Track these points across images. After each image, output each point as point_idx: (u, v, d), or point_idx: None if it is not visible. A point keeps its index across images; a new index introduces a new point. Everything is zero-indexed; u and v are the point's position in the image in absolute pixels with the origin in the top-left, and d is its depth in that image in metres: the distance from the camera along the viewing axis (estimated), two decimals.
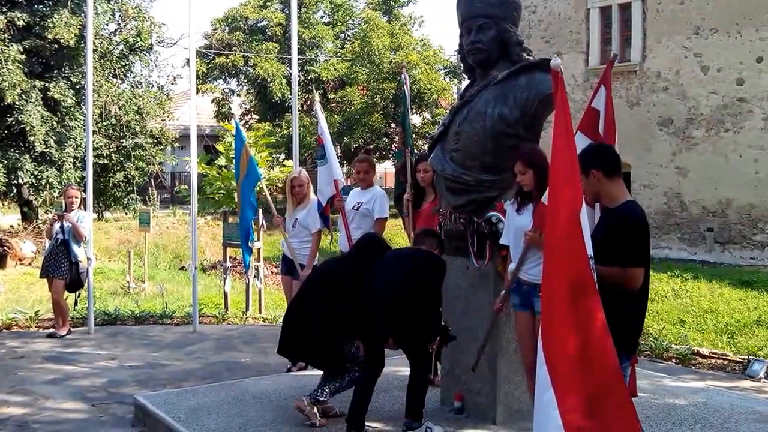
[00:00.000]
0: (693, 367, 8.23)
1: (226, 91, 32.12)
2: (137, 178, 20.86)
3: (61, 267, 9.20)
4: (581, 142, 4.89)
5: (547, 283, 3.78)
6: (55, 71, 18.77)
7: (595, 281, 3.65)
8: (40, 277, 9.67)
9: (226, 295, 11.30)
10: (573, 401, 3.54)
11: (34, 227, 18.48)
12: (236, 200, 8.61)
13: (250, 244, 9.24)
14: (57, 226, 9.25)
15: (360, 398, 5.23)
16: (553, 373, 3.60)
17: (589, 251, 3.67)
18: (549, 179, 3.91)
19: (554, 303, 3.69)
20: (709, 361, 8.42)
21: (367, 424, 5.29)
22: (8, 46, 16.95)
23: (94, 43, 14.45)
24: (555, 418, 3.54)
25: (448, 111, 6.56)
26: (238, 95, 32.37)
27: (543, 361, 3.66)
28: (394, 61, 25.56)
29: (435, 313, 5.31)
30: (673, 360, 8.47)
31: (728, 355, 8.56)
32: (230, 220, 12.30)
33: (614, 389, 3.64)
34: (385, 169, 27.69)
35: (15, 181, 18.22)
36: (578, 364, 3.59)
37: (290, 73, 27.36)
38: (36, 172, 17.85)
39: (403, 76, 7.16)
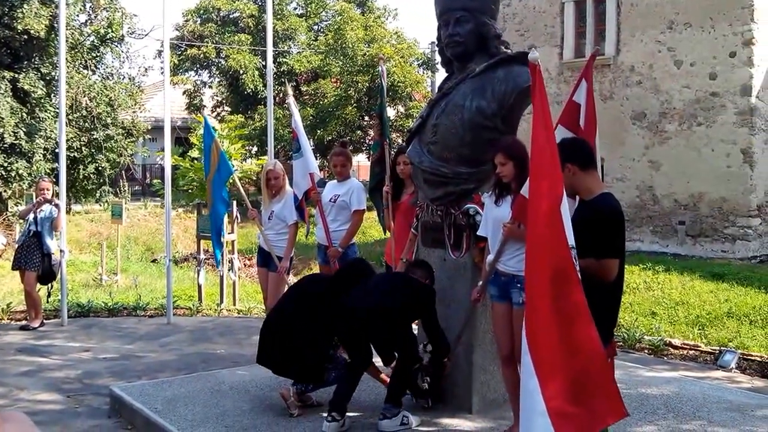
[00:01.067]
0: (665, 358, 8.32)
1: (198, 83, 31.98)
2: (108, 170, 20.78)
3: (34, 259, 9.16)
4: (562, 135, 4.93)
5: (529, 273, 3.82)
6: (25, 62, 18.68)
7: (578, 270, 3.71)
8: (12, 269, 9.63)
9: (200, 287, 11.29)
10: (556, 388, 3.60)
11: (4, 219, 18.31)
12: (207, 196, 8.53)
13: (222, 239, 9.21)
14: (30, 217, 9.20)
15: (345, 386, 5.29)
16: (537, 361, 3.66)
17: (571, 241, 3.72)
18: (530, 172, 3.94)
19: (537, 293, 3.73)
20: (681, 352, 8.51)
21: (346, 414, 5.34)
22: None
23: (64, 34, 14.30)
24: (539, 404, 3.60)
25: (425, 104, 6.59)
26: (210, 87, 32.18)
27: (527, 349, 3.71)
28: (367, 53, 25.50)
29: (437, 335, 5.40)
30: (646, 351, 8.57)
31: (700, 346, 8.66)
32: (204, 212, 12.27)
33: (599, 375, 3.71)
34: (359, 162, 27.62)
35: None
36: (561, 351, 3.65)
37: (262, 65, 27.38)
38: (5, 164, 17.69)
39: (380, 67, 7.15)
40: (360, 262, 6.01)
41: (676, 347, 8.66)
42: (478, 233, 5.19)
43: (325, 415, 5.22)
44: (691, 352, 8.53)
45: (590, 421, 3.67)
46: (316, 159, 24.68)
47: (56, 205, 9.27)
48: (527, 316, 3.78)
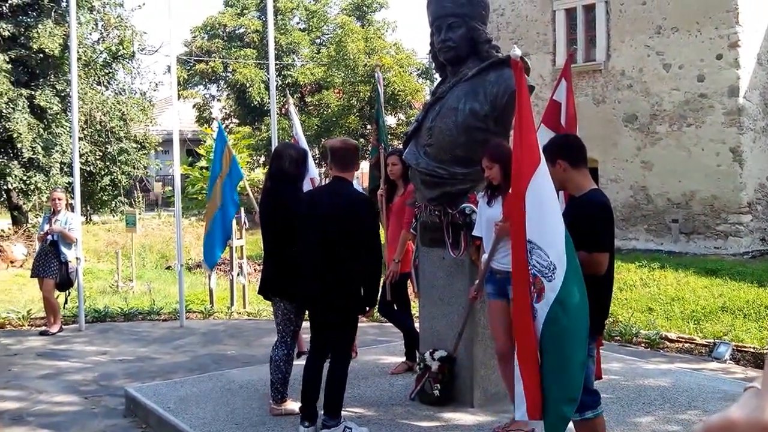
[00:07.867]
0: (662, 351, 8.42)
1: (207, 96, 32.89)
2: (123, 182, 21.39)
3: (51, 267, 9.39)
4: (545, 134, 5.12)
5: (514, 268, 4.07)
6: (41, 80, 19.24)
7: (527, 262, 3.97)
8: (31, 276, 9.86)
9: (211, 291, 11.50)
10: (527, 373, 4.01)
11: (25, 231, 18.79)
12: (213, 198, 8.62)
13: (229, 242, 9.35)
14: (46, 227, 9.44)
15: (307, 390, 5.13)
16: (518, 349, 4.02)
17: (529, 235, 3.94)
18: (512, 168, 4.12)
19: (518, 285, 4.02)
20: (676, 345, 8.61)
21: (351, 410, 5.46)
22: None
23: (78, 52, 14.73)
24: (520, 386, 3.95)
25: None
26: (219, 100, 32.98)
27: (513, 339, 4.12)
28: (368, 64, 25.92)
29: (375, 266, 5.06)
30: (642, 344, 8.65)
31: (695, 339, 8.74)
32: None
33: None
34: (362, 169, 27.97)
35: (4, 187, 18.60)
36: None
37: (268, 78, 27.88)
38: (24, 178, 18.25)
39: (376, 75, 7.37)
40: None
41: (672, 341, 8.75)
42: (473, 233, 5.28)
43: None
44: (686, 345, 8.60)
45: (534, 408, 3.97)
46: (321, 167, 25.12)
47: (72, 209, 9.47)
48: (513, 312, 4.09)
